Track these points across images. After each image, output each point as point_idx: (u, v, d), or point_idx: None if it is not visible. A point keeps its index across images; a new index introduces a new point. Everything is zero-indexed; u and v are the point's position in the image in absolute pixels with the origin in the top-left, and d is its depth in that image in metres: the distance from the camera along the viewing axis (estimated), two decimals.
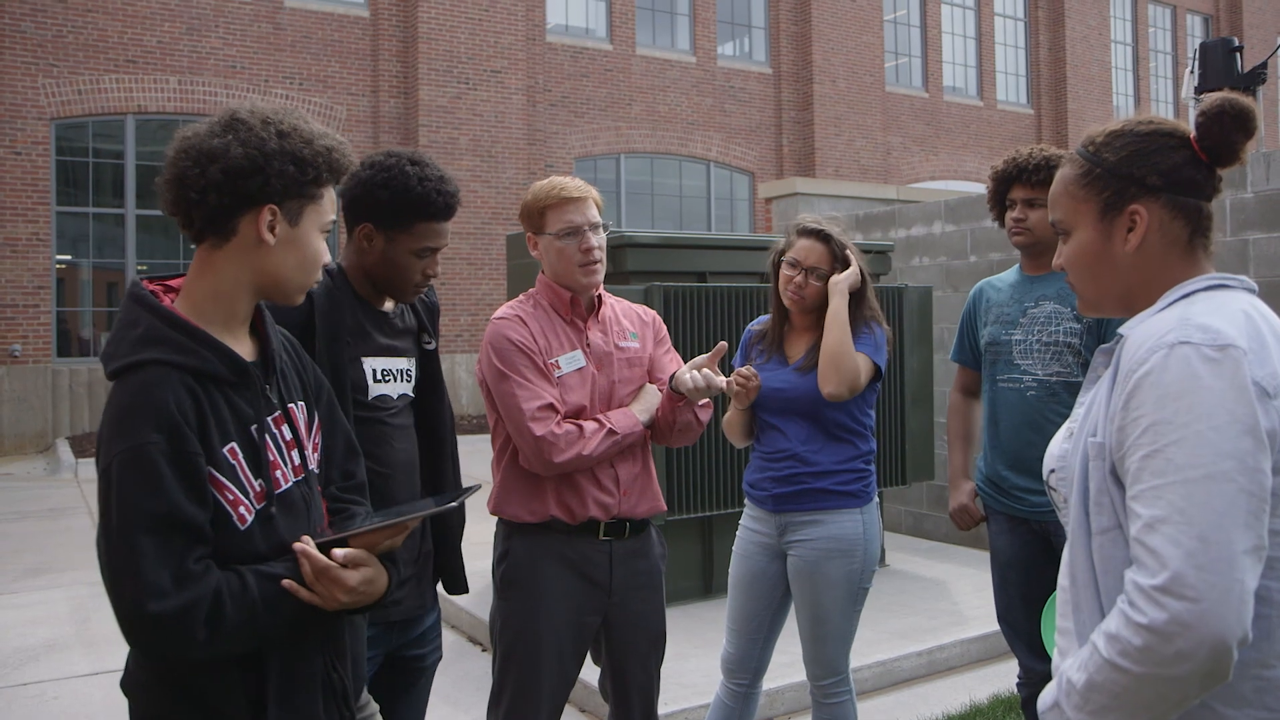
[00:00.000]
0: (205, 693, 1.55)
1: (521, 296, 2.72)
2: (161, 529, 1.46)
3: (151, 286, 1.65)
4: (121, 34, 12.99)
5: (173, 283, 1.70)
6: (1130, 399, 1.34)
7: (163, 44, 13.22)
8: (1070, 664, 1.35)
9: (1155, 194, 1.47)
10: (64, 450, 11.56)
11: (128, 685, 1.64)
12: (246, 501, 1.58)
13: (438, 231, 2.41)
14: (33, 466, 11.32)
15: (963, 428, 3.41)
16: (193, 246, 1.68)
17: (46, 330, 12.55)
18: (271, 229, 1.63)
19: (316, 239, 1.70)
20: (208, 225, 1.62)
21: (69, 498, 9.38)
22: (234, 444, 1.58)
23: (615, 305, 2.78)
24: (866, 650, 4.41)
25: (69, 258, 13.09)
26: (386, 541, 1.71)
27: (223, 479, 1.55)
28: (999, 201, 3.19)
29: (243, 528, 1.57)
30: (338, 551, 1.62)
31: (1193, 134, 1.49)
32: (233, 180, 1.58)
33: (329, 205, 1.72)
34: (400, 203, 2.35)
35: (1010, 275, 3.25)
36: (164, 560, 1.46)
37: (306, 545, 1.60)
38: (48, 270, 12.58)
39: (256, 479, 1.60)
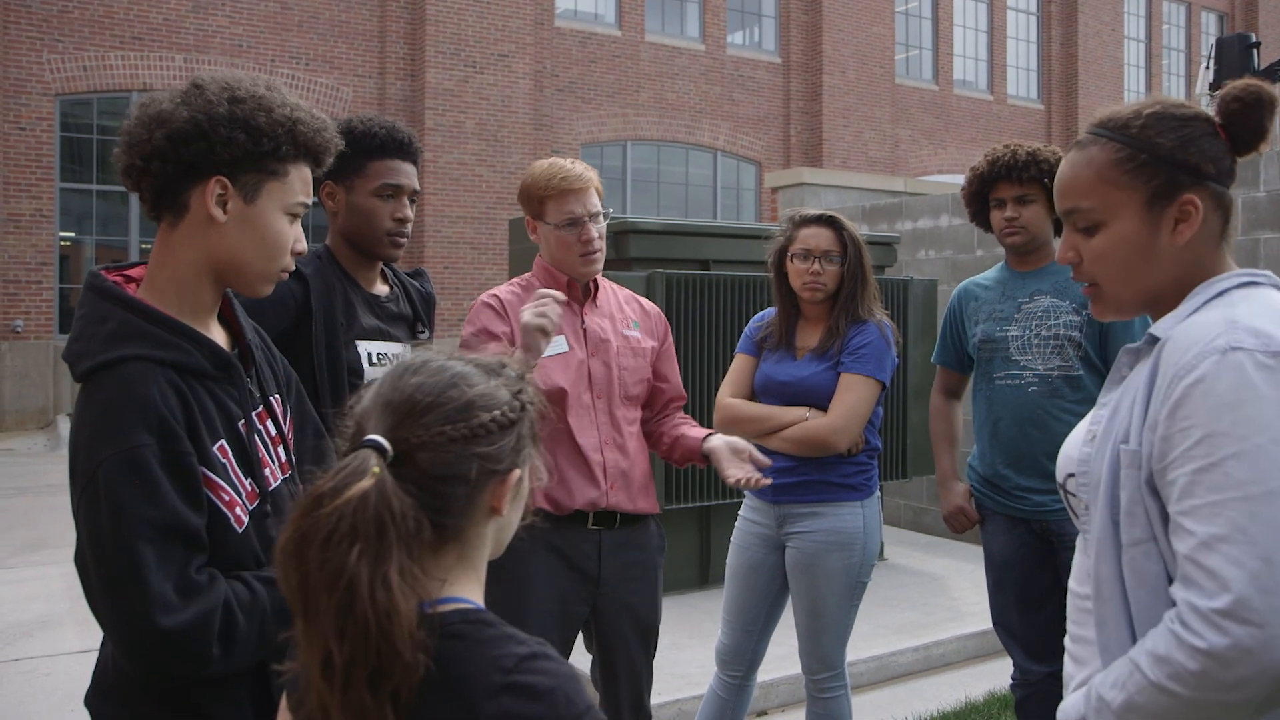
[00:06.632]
0: (206, 705, 1.46)
1: (513, 281, 2.66)
2: (162, 538, 1.36)
3: (112, 276, 1.53)
4: (128, 10, 12.91)
5: (132, 272, 1.58)
6: (1178, 408, 1.26)
7: (169, 21, 13.15)
8: (1103, 680, 1.28)
9: (1204, 183, 1.39)
10: (65, 427, 11.52)
11: (98, 700, 1.54)
12: (241, 502, 1.49)
13: (392, 169, 2.37)
14: (33, 442, 11.31)
15: (947, 429, 3.37)
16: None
17: (49, 307, 12.51)
18: (223, 205, 1.50)
19: (278, 220, 1.55)
20: (159, 198, 1.51)
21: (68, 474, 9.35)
22: (223, 442, 1.49)
23: (617, 292, 2.73)
24: (862, 644, 4.38)
25: (73, 235, 13.04)
26: None
27: (216, 479, 1.46)
28: (980, 200, 3.10)
29: (240, 530, 1.48)
30: None
31: (1218, 120, 1.41)
32: (175, 146, 1.47)
33: (297, 184, 1.58)
34: (346, 145, 2.32)
35: (995, 273, 3.18)
36: (166, 572, 1.35)
37: None
38: (51, 247, 12.53)
39: (247, 478, 1.52)
